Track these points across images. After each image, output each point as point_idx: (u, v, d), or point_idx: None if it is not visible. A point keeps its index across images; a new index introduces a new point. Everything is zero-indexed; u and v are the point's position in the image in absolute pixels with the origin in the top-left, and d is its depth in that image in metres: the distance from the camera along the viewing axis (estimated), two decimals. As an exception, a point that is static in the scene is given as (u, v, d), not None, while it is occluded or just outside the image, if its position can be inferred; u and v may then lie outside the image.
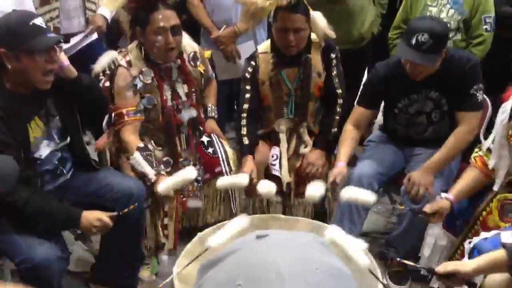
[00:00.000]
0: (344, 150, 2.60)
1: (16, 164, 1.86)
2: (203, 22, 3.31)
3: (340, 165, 2.53)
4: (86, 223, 2.12)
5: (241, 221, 1.81)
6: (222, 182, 2.31)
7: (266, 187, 2.29)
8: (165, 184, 2.16)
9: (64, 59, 2.18)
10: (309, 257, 0.70)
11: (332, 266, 0.71)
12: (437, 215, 2.26)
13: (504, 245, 1.74)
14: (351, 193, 2.09)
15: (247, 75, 2.73)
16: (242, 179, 2.30)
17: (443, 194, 2.37)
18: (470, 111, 2.50)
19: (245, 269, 0.68)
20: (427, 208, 2.27)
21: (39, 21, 2.03)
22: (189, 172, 2.14)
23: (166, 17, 2.42)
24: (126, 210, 2.18)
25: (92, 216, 2.12)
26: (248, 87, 2.74)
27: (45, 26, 2.04)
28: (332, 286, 0.68)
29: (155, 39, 2.43)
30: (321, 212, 2.86)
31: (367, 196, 2.07)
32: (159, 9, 2.42)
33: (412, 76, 2.49)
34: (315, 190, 2.14)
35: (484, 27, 2.97)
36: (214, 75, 2.92)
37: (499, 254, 1.73)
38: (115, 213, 2.17)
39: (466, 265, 1.80)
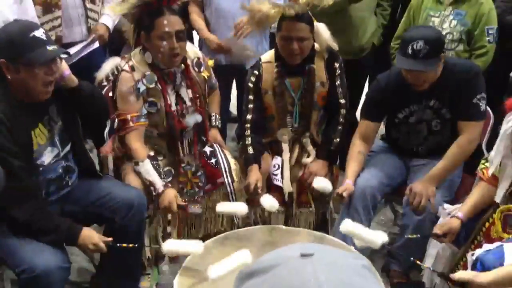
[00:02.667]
0: (352, 168, 2.60)
1: (3, 176, 1.87)
2: (202, 34, 3.33)
3: (348, 183, 2.53)
4: (82, 243, 2.13)
5: (245, 255, 1.87)
6: (222, 208, 2.37)
7: (269, 202, 2.38)
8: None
9: (65, 68, 2.18)
10: (354, 284, 0.66)
11: None
12: (448, 235, 2.24)
13: None
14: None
15: (251, 85, 2.73)
16: (241, 207, 2.36)
17: (446, 205, 2.37)
18: (473, 121, 2.49)
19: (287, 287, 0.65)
20: (437, 229, 2.26)
21: (39, 32, 2.00)
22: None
23: (171, 22, 2.42)
24: (124, 245, 2.17)
25: (88, 240, 2.12)
26: (251, 97, 2.74)
27: (45, 38, 2.01)
28: None
29: (159, 44, 2.42)
30: (323, 222, 2.86)
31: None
32: (164, 14, 2.42)
33: (416, 86, 2.48)
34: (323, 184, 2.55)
35: (487, 38, 2.96)
36: (217, 83, 2.91)
37: None
38: (110, 239, 2.16)
39: (482, 276, 1.78)
